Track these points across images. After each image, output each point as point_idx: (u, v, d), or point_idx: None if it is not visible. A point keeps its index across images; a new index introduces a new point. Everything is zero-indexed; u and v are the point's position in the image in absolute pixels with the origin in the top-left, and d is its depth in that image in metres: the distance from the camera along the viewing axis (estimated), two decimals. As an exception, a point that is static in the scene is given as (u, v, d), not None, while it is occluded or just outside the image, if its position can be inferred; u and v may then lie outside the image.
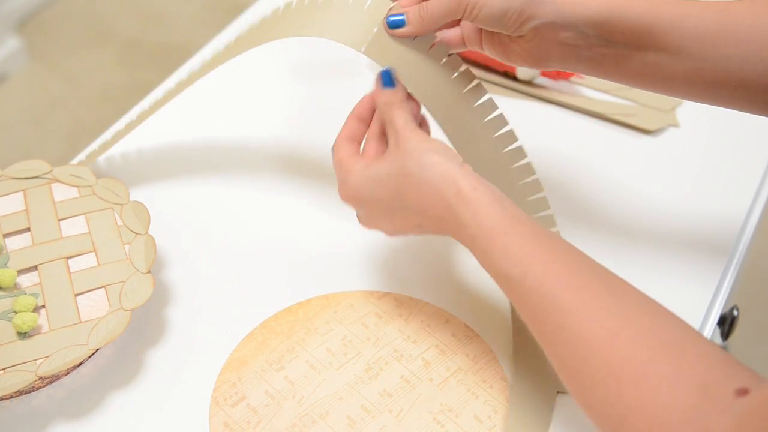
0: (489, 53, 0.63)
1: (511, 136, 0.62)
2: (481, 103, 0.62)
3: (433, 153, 0.54)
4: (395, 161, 0.56)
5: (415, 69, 0.60)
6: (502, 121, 0.62)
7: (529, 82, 0.84)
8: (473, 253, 0.53)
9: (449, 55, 0.61)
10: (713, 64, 0.56)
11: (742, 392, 0.42)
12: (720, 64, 0.56)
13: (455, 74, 0.61)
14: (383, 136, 0.60)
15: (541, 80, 0.84)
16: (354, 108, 0.61)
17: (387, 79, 0.59)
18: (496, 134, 0.62)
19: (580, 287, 0.49)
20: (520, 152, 0.63)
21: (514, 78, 0.84)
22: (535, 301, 0.50)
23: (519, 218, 0.52)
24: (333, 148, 0.61)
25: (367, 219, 0.60)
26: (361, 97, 0.61)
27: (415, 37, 0.60)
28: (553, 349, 0.49)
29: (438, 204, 0.53)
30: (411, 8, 0.59)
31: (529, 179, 0.63)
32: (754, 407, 0.40)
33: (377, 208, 0.58)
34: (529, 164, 0.63)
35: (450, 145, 0.59)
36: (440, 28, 0.61)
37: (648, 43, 0.56)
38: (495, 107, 0.62)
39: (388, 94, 0.58)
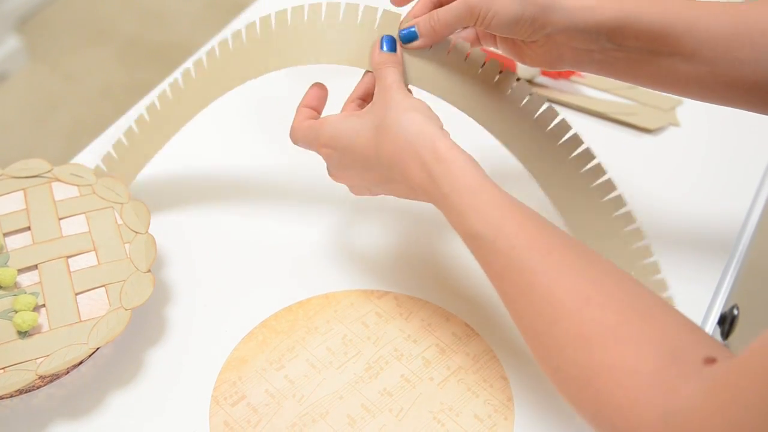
0: (503, 52, 0.63)
1: (551, 112, 0.63)
2: (514, 89, 0.62)
3: (413, 111, 0.55)
4: (375, 114, 0.56)
5: (438, 76, 0.61)
6: (539, 100, 0.62)
7: (529, 81, 0.84)
8: (444, 212, 0.53)
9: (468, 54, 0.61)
10: (727, 68, 0.56)
11: (710, 361, 0.42)
12: (733, 68, 0.56)
13: (480, 70, 0.61)
14: (362, 101, 0.61)
15: (542, 79, 0.84)
16: (302, 100, 0.63)
17: (389, 44, 0.59)
18: (536, 115, 0.62)
19: (552, 250, 0.49)
20: (564, 126, 0.63)
21: None
22: (504, 261, 0.50)
23: (493, 183, 0.52)
24: (292, 131, 0.62)
25: (337, 170, 0.60)
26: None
27: (430, 47, 0.60)
28: (521, 311, 0.49)
29: (413, 160, 0.54)
30: (422, 19, 0.59)
31: (590, 165, 0.63)
32: (721, 376, 0.41)
33: (350, 158, 0.58)
34: (575, 135, 0.63)
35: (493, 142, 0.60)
36: None
37: (661, 47, 0.57)
38: (528, 90, 0.62)
39: (385, 55, 0.59)
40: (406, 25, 0.60)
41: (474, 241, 0.52)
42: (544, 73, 0.83)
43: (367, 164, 0.57)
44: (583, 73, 0.83)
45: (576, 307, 0.46)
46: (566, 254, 0.49)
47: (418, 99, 0.57)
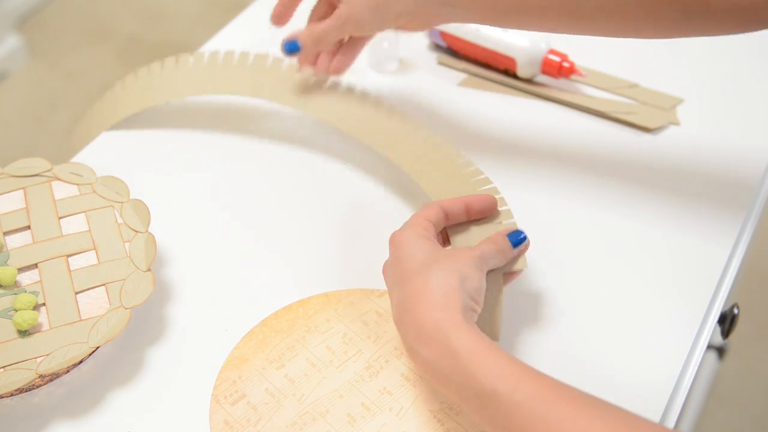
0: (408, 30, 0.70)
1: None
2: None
3: (458, 281, 0.54)
4: (443, 252, 0.56)
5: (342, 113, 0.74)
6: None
7: (529, 80, 0.84)
8: (449, 371, 0.51)
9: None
10: None
11: None
12: None
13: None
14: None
15: (542, 78, 0.84)
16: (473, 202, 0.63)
17: (517, 241, 0.60)
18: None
19: (574, 398, 0.47)
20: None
21: (514, 76, 0.84)
22: (526, 415, 0.47)
23: (502, 349, 0.51)
24: (429, 204, 0.62)
25: (388, 264, 0.59)
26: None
27: (307, 63, 0.74)
28: None
29: (427, 307, 0.53)
30: (301, 32, 0.71)
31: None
32: None
33: (394, 265, 0.57)
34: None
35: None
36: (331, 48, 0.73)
37: None
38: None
39: (506, 244, 0.60)
40: (288, 39, 0.71)
41: (489, 398, 0.49)
42: (543, 72, 0.83)
43: (399, 278, 0.56)
44: (584, 72, 0.83)
45: None
46: (588, 401, 0.47)
47: (483, 279, 0.56)
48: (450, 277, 0.54)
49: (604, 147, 0.78)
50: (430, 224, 0.59)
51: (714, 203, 0.72)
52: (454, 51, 0.87)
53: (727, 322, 0.73)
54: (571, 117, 0.81)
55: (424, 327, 0.52)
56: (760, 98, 0.83)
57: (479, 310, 0.55)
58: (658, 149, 0.78)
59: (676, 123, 0.80)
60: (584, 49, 0.86)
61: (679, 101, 0.82)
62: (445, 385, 0.51)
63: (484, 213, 0.63)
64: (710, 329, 0.64)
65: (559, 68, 0.82)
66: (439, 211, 0.61)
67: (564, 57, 0.82)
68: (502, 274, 0.60)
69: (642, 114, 0.80)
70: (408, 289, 0.54)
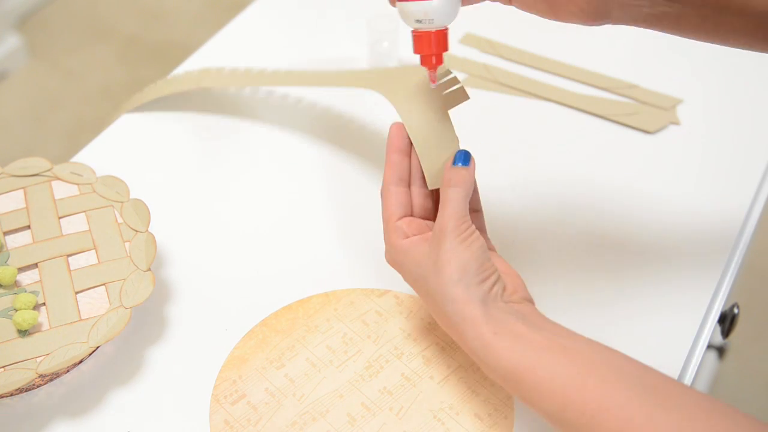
0: (530, 10, 0.56)
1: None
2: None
3: (457, 285, 0.53)
4: (432, 251, 0.54)
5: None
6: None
7: (529, 79, 0.84)
8: (506, 387, 0.52)
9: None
10: None
11: None
12: None
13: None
14: (405, 186, 0.59)
15: (543, 77, 0.84)
16: (389, 141, 0.59)
17: (465, 158, 0.57)
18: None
19: (624, 404, 0.47)
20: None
21: None
22: (579, 429, 0.47)
23: (542, 345, 0.51)
24: (382, 194, 0.59)
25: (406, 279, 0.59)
26: (390, 126, 0.59)
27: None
28: None
29: (460, 339, 0.53)
30: None
31: None
32: None
33: (414, 281, 0.57)
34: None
35: None
36: None
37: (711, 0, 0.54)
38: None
39: (459, 172, 0.56)
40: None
41: (545, 416, 0.50)
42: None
43: (427, 294, 0.56)
44: (582, 68, 0.83)
45: None
46: (640, 399, 0.46)
47: (470, 253, 0.54)
48: (453, 286, 0.53)
49: (604, 147, 0.78)
50: (399, 222, 0.57)
51: (714, 202, 0.72)
52: None
53: (727, 321, 0.73)
54: (572, 117, 0.81)
55: (464, 344, 0.53)
56: (760, 97, 0.83)
57: (496, 273, 0.54)
58: (658, 149, 0.78)
59: (676, 122, 0.80)
60: (584, 50, 0.86)
61: (679, 101, 0.82)
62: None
63: (403, 141, 0.59)
64: (710, 329, 0.64)
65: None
66: (395, 193, 0.58)
67: None
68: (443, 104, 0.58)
69: (642, 115, 0.80)
70: (431, 305, 0.55)
